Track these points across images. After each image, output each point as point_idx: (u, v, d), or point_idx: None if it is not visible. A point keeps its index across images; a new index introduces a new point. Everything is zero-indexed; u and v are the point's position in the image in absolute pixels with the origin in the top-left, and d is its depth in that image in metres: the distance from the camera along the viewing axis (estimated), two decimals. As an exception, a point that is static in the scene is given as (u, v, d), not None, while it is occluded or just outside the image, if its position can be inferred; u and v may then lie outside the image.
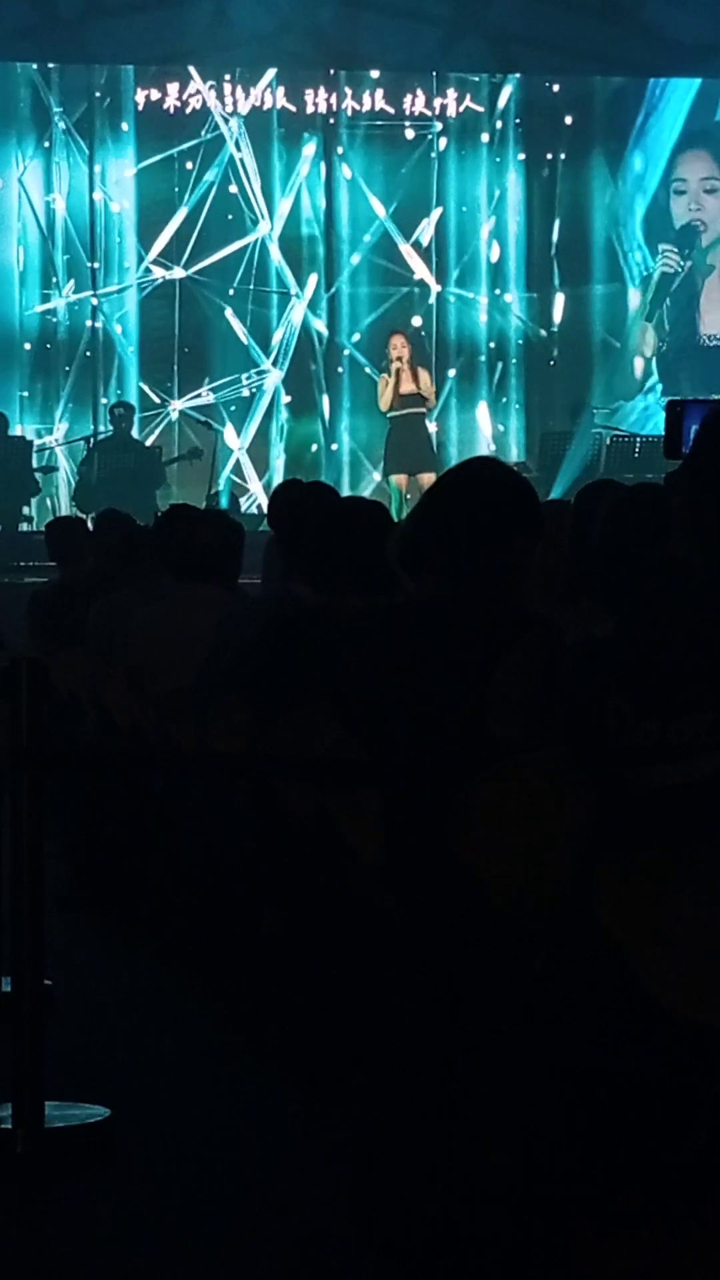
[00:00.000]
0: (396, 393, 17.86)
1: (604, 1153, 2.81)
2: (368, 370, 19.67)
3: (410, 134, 20.03)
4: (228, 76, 19.67)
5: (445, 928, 3.62)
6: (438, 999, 3.66)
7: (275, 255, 19.86)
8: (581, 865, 2.97)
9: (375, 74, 19.88)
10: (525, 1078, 3.10)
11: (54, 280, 19.69)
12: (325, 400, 20.00)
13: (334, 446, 20.00)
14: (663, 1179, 2.63)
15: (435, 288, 20.09)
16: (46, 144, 19.64)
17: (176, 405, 19.72)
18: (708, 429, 3.46)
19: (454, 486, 4.51)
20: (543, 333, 20.42)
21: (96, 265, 19.70)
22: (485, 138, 20.18)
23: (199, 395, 19.76)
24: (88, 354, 19.69)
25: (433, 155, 20.04)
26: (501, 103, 20.12)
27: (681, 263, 20.14)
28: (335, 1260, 3.85)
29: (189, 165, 19.71)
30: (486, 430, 20.26)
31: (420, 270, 20.08)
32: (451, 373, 20.01)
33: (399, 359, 17.90)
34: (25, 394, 19.67)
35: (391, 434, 18.05)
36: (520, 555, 4.39)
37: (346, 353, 19.99)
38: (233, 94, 19.70)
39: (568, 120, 20.26)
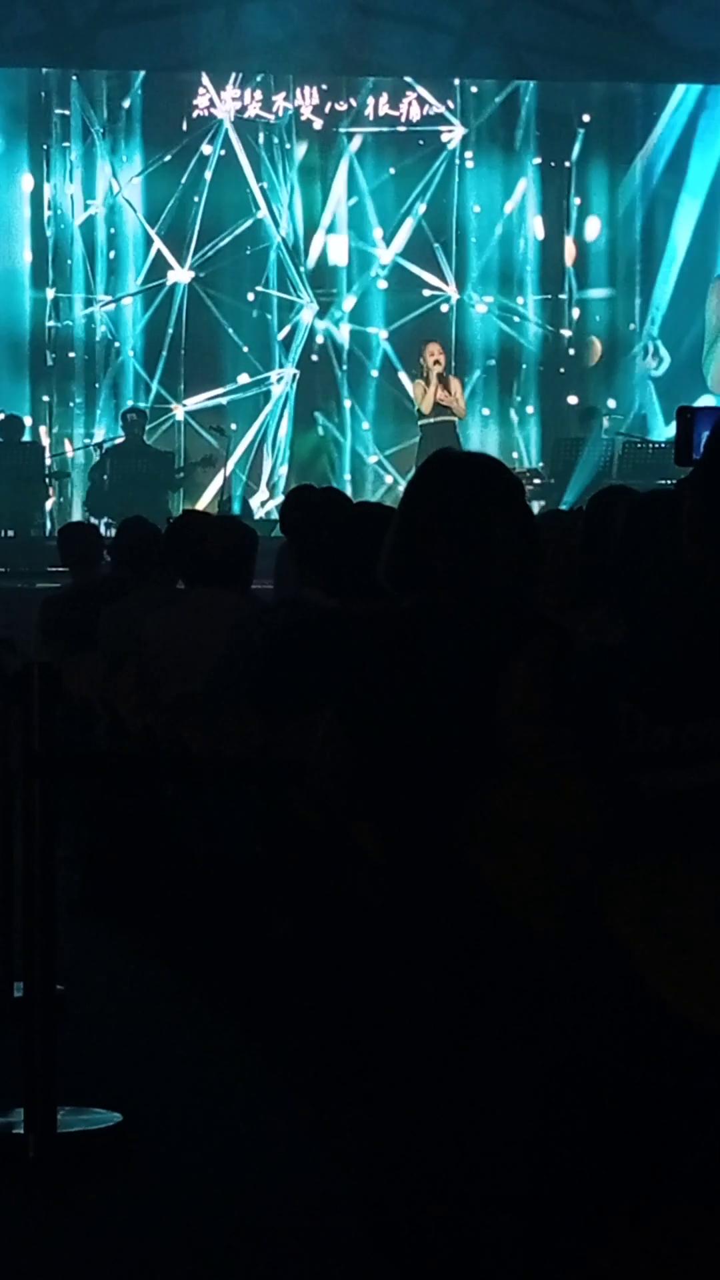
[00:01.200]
0: (434, 400, 17.98)
1: (612, 1158, 2.81)
2: (375, 374, 19.68)
3: (424, 140, 20.04)
4: (238, 83, 19.68)
5: (455, 933, 3.63)
6: (447, 1004, 3.66)
7: (285, 260, 19.86)
8: (592, 870, 2.98)
9: (388, 80, 19.88)
10: (533, 1083, 3.11)
11: (61, 284, 19.70)
12: (337, 405, 20.00)
13: (346, 451, 19.99)
14: (671, 1185, 2.63)
15: (448, 293, 20.09)
16: (48, 148, 19.66)
17: (179, 410, 19.72)
18: (719, 435, 3.46)
19: (419, 490, 4.46)
20: (556, 338, 20.41)
21: (101, 270, 19.71)
22: (500, 143, 20.17)
23: (208, 399, 19.76)
24: (84, 356, 19.70)
25: (446, 161, 20.04)
26: (517, 109, 20.12)
27: None
28: (344, 1265, 3.85)
29: (199, 170, 19.72)
30: (501, 435, 20.25)
31: (432, 276, 20.08)
32: (467, 378, 20.02)
33: (437, 363, 18.03)
34: (30, 398, 19.67)
35: (423, 443, 18.12)
36: (505, 530, 4.32)
37: (357, 356, 19.99)
38: (243, 100, 19.71)
39: (584, 126, 20.26)
